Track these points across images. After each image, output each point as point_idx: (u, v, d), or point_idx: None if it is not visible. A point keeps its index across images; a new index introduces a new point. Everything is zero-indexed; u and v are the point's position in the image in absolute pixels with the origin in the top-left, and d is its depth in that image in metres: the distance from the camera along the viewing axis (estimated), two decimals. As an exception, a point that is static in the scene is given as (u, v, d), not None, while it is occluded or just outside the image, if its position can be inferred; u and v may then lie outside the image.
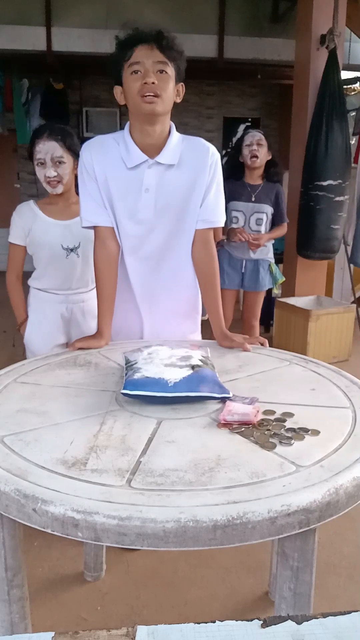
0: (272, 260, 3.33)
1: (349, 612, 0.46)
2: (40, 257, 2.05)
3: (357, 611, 0.46)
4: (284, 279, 3.44)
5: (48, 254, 2.02)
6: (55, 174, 1.93)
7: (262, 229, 3.20)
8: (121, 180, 1.55)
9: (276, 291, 3.42)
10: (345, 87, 4.05)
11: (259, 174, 3.17)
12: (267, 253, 3.30)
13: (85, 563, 1.86)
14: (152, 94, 1.42)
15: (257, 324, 3.42)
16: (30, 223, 2.02)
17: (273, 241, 3.39)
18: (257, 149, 3.06)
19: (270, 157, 3.13)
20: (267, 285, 3.32)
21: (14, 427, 1.08)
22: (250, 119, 7.76)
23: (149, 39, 1.42)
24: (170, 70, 1.44)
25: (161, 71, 1.42)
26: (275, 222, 3.28)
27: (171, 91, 1.47)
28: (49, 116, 6.64)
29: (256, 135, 3.07)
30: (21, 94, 6.39)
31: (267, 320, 4.83)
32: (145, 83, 1.41)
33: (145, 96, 1.42)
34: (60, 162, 1.92)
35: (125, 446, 1.00)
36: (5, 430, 1.07)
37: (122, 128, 1.58)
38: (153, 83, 1.41)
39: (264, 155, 3.09)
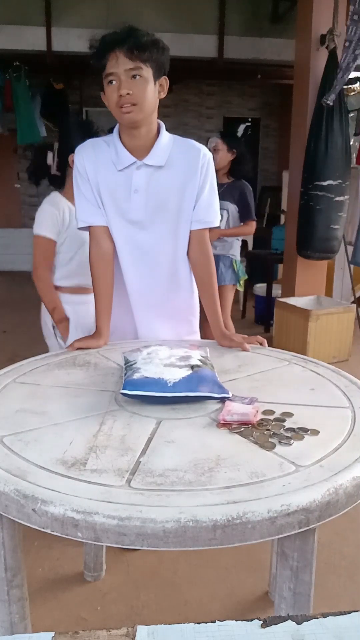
0: (236, 258, 3.47)
1: (349, 612, 0.46)
2: (77, 255, 2.00)
3: (357, 611, 0.46)
4: (246, 276, 3.62)
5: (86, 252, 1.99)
6: None
7: (222, 224, 3.31)
8: (112, 182, 1.56)
9: (240, 288, 3.59)
10: (345, 87, 4.05)
11: (222, 173, 3.36)
12: (229, 249, 3.43)
13: (85, 563, 1.86)
14: (128, 104, 1.43)
15: (229, 321, 3.49)
16: (67, 218, 1.97)
17: (239, 240, 3.53)
18: (213, 155, 3.22)
19: (234, 157, 3.34)
20: (228, 281, 3.42)
21: (13, 427, 1.08)
22: (250, 119, 7.76)
23: (117, 45, 1.39)
24: (146, 71, 1.42)
25: (135, 76, 1.41)
26: (242, 220, 3.42)
27: (150, 93, 1.45)
28: (49, 116, 6.65)
29: (212, 143, 3.31)
30: (24, 94, 6.37)
31: (267, 320, 4.83)
32: (120, 95, 1.42)
33: (122, 107, 1.43)
34: None
35: (124, 446, 1.00)
36: (4, 431, 1.07)
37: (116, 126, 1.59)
38: (128, 94, 1.41)
39: (220, 159, 3.30)
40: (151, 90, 1.45)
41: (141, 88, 1.43)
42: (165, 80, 1.50)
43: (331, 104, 3.68)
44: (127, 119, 1.46)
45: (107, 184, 1.57)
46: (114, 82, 1.42)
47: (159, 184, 1.56)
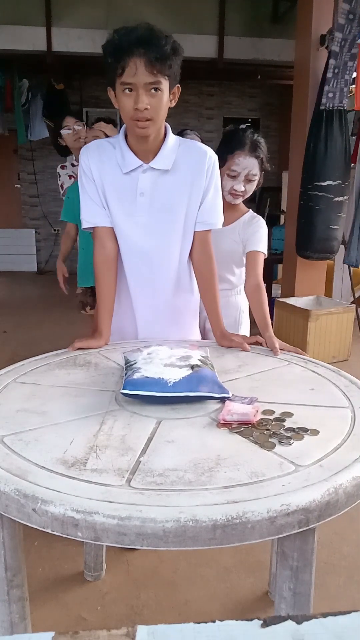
0: None
1: (349, 612, 0.46)
2: None
3: (357, 611, 0.46)
4: None
5: None
6: (244, 189, 1.92)
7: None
8: (117, 184, 1.56)
9: None
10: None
11: None
12: None
13: (85, 563, 1.86)
14: (144, 119, 1.41)
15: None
16: None
17: None
18: None
19: None
20: None
21: (14, 427, 1.08)
22: (250, 120, 7.76)
23: (137, 50, 1.32)
24: (164, 83, 1.39)
25: (153, 89, 1.38)
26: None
27: (165, 105, 1.43)
28: (50, 116, 6.66)
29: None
30: (21, 94, 6.39)
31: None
32: (137, 109, 1.38)
33: (138, 120, 1.41)
34: (251, 180, 1.91)
35: (125, 446, 1.00)
36: (5, 430, 1.07)
37: (121, 127, 1.58)
38: (146, 109, 1.39)
39: None
40: (166, 101, 1.43)
41: (158, 102, 1.40)
42: (177, 89, 1.47)
43: (345, 106, 3.67)
44: (141, 132, 1.45)
45: (113, 186, 1.56)
46: (130, 90, 1.38)
47: (165, 188, 1.56)
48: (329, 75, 3.65)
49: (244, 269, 2.03)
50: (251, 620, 0.45)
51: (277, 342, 1.57)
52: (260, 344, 1.62)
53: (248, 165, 1.87)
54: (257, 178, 1.92)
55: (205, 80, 7.16)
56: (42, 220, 7.77)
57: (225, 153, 1.88)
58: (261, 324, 1.72)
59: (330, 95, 3.67)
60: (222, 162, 1.85)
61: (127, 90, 1.39)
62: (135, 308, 1.69)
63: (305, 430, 1.06)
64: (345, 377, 1.36)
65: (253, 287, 1.86)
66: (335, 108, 3.72)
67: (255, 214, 2.03)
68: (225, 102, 7.66)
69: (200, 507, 0.80)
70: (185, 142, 1.60)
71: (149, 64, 1.34)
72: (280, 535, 0.83)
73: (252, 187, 1.93)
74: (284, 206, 5.33)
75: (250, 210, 2.03)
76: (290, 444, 1.01)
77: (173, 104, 1.48)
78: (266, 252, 1.95)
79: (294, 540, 0.89)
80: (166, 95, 1.42)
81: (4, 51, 5.33)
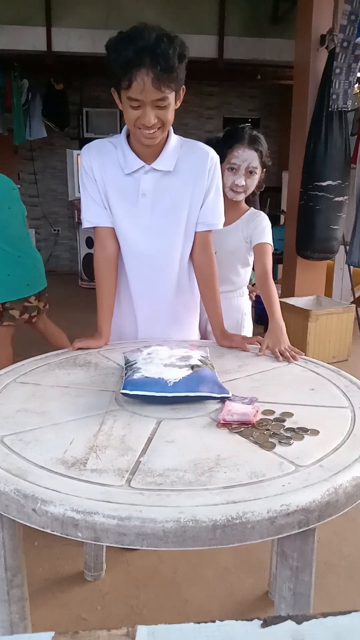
0: None
1: (349, 612, 0.46)
2: None
3: (357, 611, 0.46)
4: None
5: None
6: (244, 184, 1.90)
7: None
8: (119, 184, 1.56)
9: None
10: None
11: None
12: None
13: (85, 563, 1.86)
14: (152, 131, 1.40)
15: None
16: None
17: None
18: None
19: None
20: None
21: (14, 427, 1.08)
22: (250, 120, 7.76)
23: (146, 64, 1.28)
24: (171, 95, 1.38)
25: (161, 105, 1.37)
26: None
27: (172, 111, 1.42)
28: (50, 117, 6.66)
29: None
30: (20, 94, 6.38)
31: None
32: (144, 124, 1.38)
33: (144, 131, 1.40)
34: (252, 173, 1.89)
35: (125, 446, 1.00)
36: (5, 430, 1.07)
37: (122, 127, 1.58)
38: (153, 124, 1.38)
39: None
40: (173, 108, 1.42)
41: (165, 113, 1.40)
42: (182, 90, 1.45)
43: (349, 107, 3.66)
44: (149, 142, 1.44)
45: (114, 187, 1.56)
46: (136, 104, 1.36)
47: (167, 189, 1.56)
48: (332, 77, 3.65)
49: (248, 268, 2.03)
50: (251, 620, 0.45)
51: (278, 346, 1.54)
52: (261, 344, 1.62)
53: (248, 157, 1.87)
54: (257, 172, 1.90)
55: (205, 80, 7.14)
56: (42, 220, 7.75)
57: (224, 149, 1.88)
58: (268, 314, 1.71)
59: (334, 97, 3.67)
60: (222, 159, 1.85)
61: (133, 104, 1.37)
62: (135, 308, 1.69)
63: (305, 430, 1.06)
64: (345, 377, 1.36)
65: (259, 275, 1.86)
66: (339, 109, 3.72)
67: (256, 210, 2.03)
68: (225, 102, 7.65)
69: (200, 507, 0.80)
70: (187, 142, 1.60)
71: (157, 80, 1.31)
72: (280, 536, 0.83)
73: (253, 183, 1.91)
74: (284, 206, 5.33)
75: (252, 207, 2.03)
76: (290, 444, 1.01)
77: (178, 104, 1.47)
78: (272, 243, 1.94)
79: (294, 540, 0.89)
80: (172, 104, 1.42)
81: (4, 51, 5.32)
